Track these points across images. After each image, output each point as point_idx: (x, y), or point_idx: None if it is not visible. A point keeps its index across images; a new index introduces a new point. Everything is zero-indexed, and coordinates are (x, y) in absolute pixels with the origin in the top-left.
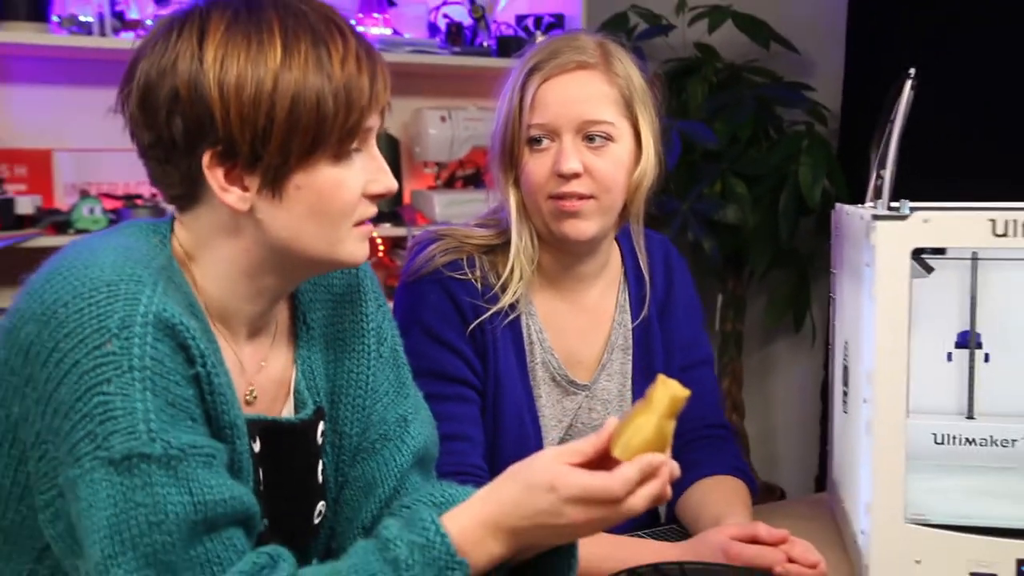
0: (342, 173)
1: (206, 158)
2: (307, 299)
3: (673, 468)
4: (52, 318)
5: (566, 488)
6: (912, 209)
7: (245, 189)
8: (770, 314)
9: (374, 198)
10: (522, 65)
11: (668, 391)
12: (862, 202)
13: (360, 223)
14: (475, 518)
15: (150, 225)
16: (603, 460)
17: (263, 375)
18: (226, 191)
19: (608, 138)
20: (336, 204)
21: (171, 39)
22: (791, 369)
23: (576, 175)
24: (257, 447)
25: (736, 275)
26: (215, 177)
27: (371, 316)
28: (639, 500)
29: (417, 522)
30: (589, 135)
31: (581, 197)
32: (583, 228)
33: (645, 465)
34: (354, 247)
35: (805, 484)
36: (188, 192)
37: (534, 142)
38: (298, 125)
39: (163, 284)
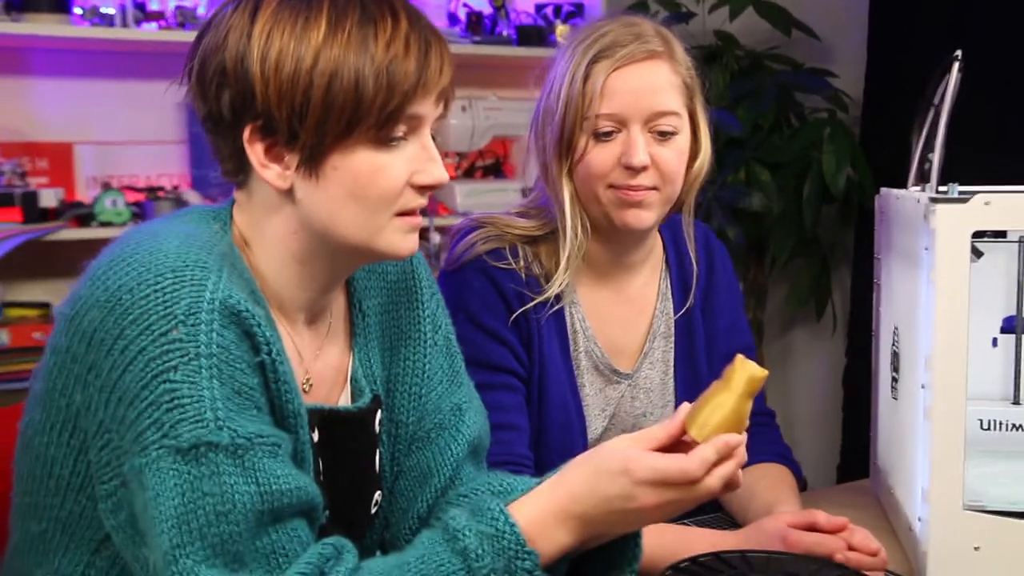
0: (383, 159)
1: (246, 132)
2: (362, 287)
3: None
4: (117, 304)
5: (640, 471)
6: (961, 192)
7: (285, 167)
8: (791, 302)
9: (423, 189)
10: (578, 53)
11: (746, 371)
12: (891, 188)
13: (404, 213)
14: (543, 507)
15: (210, 211)
16: (676, 446)
17: (320, 363)
18: (266, 167)
19: (674, 130)
20: (374, 190)
21: (228, 14)
22: (811, 358)
23: (645, 168)
24: (316, 437)
25: (758, 263)
26: (255, 152)
27: (426, 304)
28: (715, 480)
29: (485, 512)
30: (658, 128)
31: (647, 189)
32: (645, 217)
33: (722, 445)
34: (394, 237)
35: (826, 473)
36: (238, 168)
37: (600, 132)
38: (334, 104)
39: (227, 270)
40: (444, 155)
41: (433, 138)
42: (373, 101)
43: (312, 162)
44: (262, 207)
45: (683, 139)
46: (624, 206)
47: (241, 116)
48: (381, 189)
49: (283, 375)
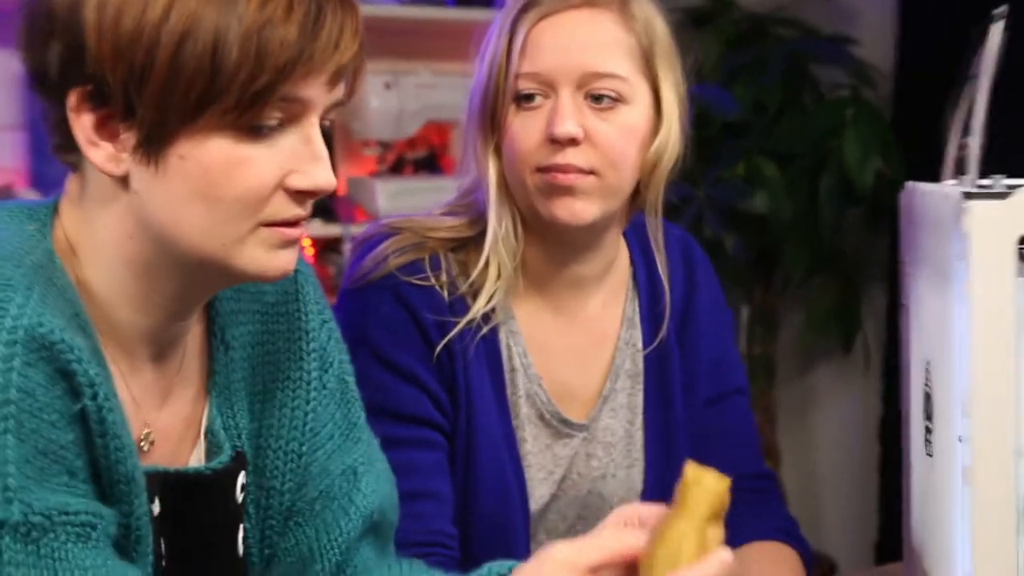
0: (246, 151)
1: (72, 98)
2: (227, 309)
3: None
4: None
5: None
6: (1010, 187)
7: (120, 148)
8: (809, 332)
9: (300, 195)
10: (510, 2)
11: (702, 486)
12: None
13: (272, 224)
14: None
15: (25, 208)
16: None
17: (166, 412)
18: (94, 145)
19: (618, 98)
20: (230, 190)
21: None
22: (839, 403)
23: (573, 141)
24: (156, 508)
25: (766, 282)
26: (81, 125)
27: (312, 334)
28: None
29: None
30: (594, 92)
31: (579, 171)
32: (579, 209)
33: None
34: (257, 253)
35: (861, 552)
36: (66, 143)
37: (522, 97)
38: (183, 72)
39: (40, 288)
40: (364, 144)
41: (328, 129)
42: (235, 74)
43: (152, 145)
44: (94, 200)
45: (633, 113)
46: (551, 193)
47: (69, 76)
48: (240, 190)
49: (112, 427)
